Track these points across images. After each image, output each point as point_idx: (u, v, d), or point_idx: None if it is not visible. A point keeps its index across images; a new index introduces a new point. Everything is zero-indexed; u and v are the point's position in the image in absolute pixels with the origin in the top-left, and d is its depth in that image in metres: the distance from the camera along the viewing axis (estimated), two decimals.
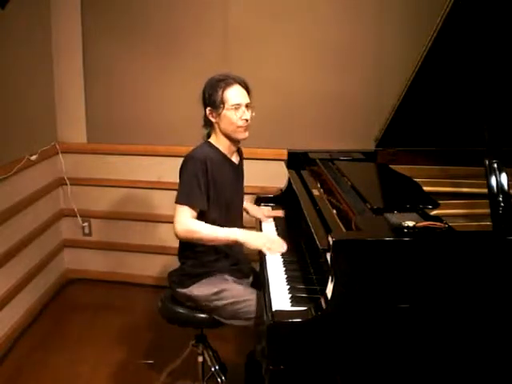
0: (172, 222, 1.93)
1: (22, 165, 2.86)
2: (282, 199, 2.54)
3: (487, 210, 1.53)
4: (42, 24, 3.12)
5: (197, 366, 2.19)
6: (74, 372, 2.58)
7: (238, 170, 2.15)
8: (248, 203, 2.44)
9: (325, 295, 1.43)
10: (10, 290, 2.81)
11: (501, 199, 1.49)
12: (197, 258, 2.04)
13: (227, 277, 2.03)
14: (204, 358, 2.18)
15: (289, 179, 2.50)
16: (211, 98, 1.98)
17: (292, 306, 1.58)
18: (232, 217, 2.08)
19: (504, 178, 1.51)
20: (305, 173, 2.40)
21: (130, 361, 2.67)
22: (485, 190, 1.53)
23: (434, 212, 1.68)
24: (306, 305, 1.51)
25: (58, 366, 2.63)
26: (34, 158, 3.01)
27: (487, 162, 1.53)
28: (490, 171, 1.52)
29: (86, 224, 3.47)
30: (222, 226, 1.95)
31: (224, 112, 1.97)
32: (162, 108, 3.23)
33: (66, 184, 3.39)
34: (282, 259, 1.93)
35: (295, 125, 3.10)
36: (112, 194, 3.41)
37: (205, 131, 2.09)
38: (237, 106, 1.97)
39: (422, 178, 2.05)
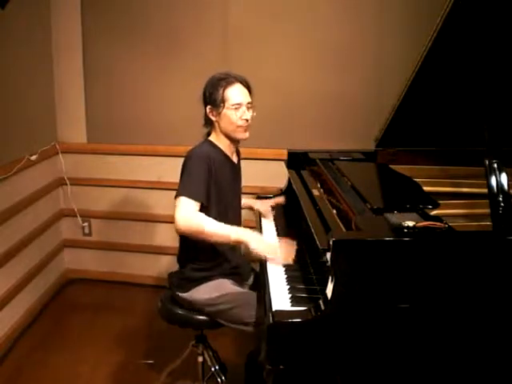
0: (172, 222, 1.91)
1: (22, 165, 2.86)
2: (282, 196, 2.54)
3: (487, 210, 1.53)
4: (42, 24, 3.12)
5: (197, 366, 2.19)
6: (74, 372, 2.58)
7: (236, 170, 2.15)
8: (251, 200, 2.44)
9: (325, 295, 1.43)
10: (9, 290, 2.81)
11: (501, 199, 1.49)
12: (196, 262, 2.02)
13: (227, 281, 2.01)
14: (204, 358, 2.17)
15: (289, 179, 2.50)
16: (212, 97, 1.97)
17: (292, 306, 1.58)
18: (230, 216, 2.07)
19: (504, 178, 1.51)
20: (305, 173, 2.40)
21: (129, 361, 2.67)
22: (485, 190, 1.53)
23: (434, 212, 1.68)
24: (305, 305, 1.51)
25: (58, 366, 2.63)
26: (34, 158, 3.01)
27: (487, 162, 1.53)
28: (490, 171, 1.52)
29: (85, 224, 3.47)
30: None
31: (224, 111, 1.96)
32: (162, 108, 3.23)
33: (66, 184, 3.39)
34: None
35: (295, 125, 3.10)
36: (112, 194, 3.42)
37: (205, 130, 2.08)
38: (237, 106, 1.96)
39: (421, 177, 2.05)
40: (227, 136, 2.02)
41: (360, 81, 2.99)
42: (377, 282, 1.41)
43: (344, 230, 1.64)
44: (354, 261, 1.40)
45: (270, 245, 1.93)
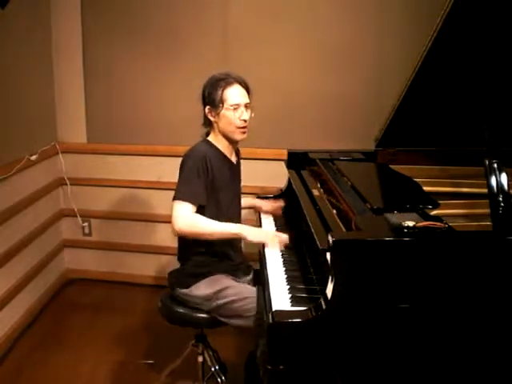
0: (171, 222, 1.92)
1: (21, 165, 2.86)
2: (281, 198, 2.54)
3: (487, 210, 1.53)
4: (42, 24, 3.12)
5: (197, 366, 2.20)
6: (74, 372, 2.58)
7: (235, 170, 2.15)
8: (255, 199, 2.45)
9: (325, 295, 1.43)
10: (10, 290, 2.81)
11: (501, 199, 1.48)
12: (196, 259, 2.04)
13: (227, 276, 2.03)
14: (204, 358, 2.18)
15: (289, 179, 2.50)
16: (211, 97, 1.98)
17: (292, 306, 1.58)
18: (230, 216, 2.07)
19: (504, 178, 1.51)
20: (305, 173, 2.40)
21: (129, 361, 2.67)
22: (485, 190, 1.53)
23: (434, 212, 1.68)
24: (305, 305, 1.51)
25: (58, 366, 2.63)
26: (34, 158, 3.01)
27: (487, 162, 1.53)
28: (490, 171, 1.52)
29: (86, 224, 3.47)
30: None
31: (223, 111, 1.97)
32: (162, 108, 3.23)
33: (66, 184, 3.39)
34: (282, 259, 1.93)
35: (295, 125, 3.10)
36: (112, 194, 3.41)
37: (204, 130, 2.09)
38: (236, 106, 1.97)
39: (421, 178, 2.05)
40: (225, 136, 2.03)
41: (360, 81, 2.99)
42: (377, 282, 1.41)
43: (344, 230, 1.64)
44: (354, 261, 1.40)
45: (265, 232, 2.08)
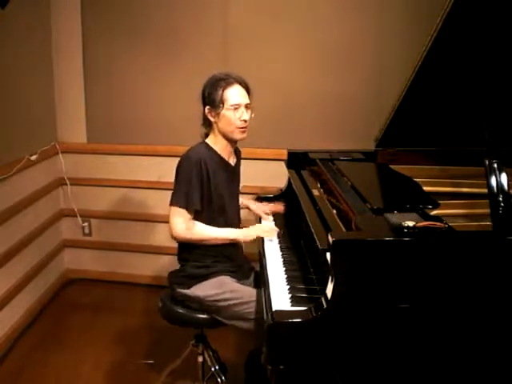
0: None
1: (21, 165, 2.86)
2: (281, 199, 2.54)
3: (487, 210, 1.53)
4: (42, 24, 3.12)
5: (197, 366, 2.19)
6: (74, 372, 2.58)
7: (233, 172, 2.14)
8: (250, 200, 2.44)
9: (325, 295, 1.43)
10: (10, 290, 2.81)
11: (501, 199, 1.49)
12: (197, 259, 2.03)
13: (228, 278, 2.02)
14: (204, 358, 2.18)
15: (289, 179, 2.50)
16: (211, 97, 1.98)
17: (292, 306, 1.58)
18: (228, 218, 2.07)
19: (504, 178, 1.51)
20: (305, 173, 2.40)
21: (130, 361, 2.67)
22: (485, 190, 1.53)
23: (434, 212, 1.68)
24: (306, 305, 1.51)
25: (58, 366, 2.63)
26: (34, 158, 3.01)
27: (487, 162, 1.53)
28: (490, 171, 1.52)
29: (86, 224, 3.47)
30: (217, 227, 1.97)
31: (223, 112, 1.97)
32: (162, 108, 3.23)
33: (66, 184, 3.39)
34: (282, 259, 1.93)
35: (295, 125, 3.10)
36: (112, 194, 3.41)
37: (203, 130, 2.09)
38: (236, 107, 1.97)
39: (421, 178, 2.05)
40: (225, 136, 2.02)
41: (360, 81, 2.99)
42: (377, 281, 1.41)
43: (344, 230, 1.64)
44: (354, 261, 1.40)
45: (255, 229, 2.09)
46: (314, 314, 1.42)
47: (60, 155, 3.35)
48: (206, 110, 2.01)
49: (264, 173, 3.08)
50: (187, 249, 2.05)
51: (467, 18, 1.66)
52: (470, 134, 1.75)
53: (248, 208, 2.42)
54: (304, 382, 1.55)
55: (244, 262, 2.16)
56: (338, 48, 2.98)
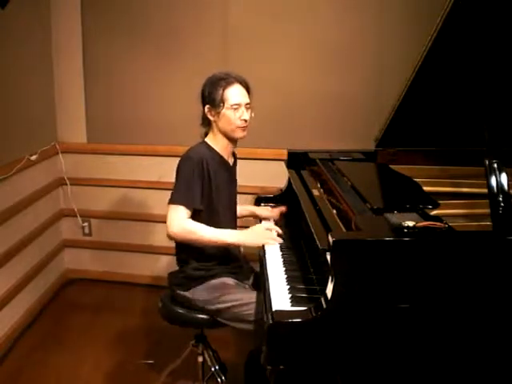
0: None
1: (21, 165, 2.86)
2: (281, 199, 2.54)
3: (487, 210, 1.53)
4: (42, 24, 3.12)
5: (197, 366, 2.19)
6: (73, 372, 2.58)
7: (232, 172, 2.14)
8: (254, 206, 2.43)
9: (325, 295, 1.43)
10: (10, 290, 2.81)
11: (501, 199, 1.48)
12: (196, 261, 2.02)
13: (228, 279, 2.01)
14: (204, 358, 2.17)
15: (289, 179, 2.50)
16: (211, 96, 1.97)
17: (292, 306, 1.58)
18: (226, 218, 2.07)
19: (504, 178, 1.51)
20: (305, 173, 2.40)
21: (129, 361, 2.67)
22: (485, 190, 1.53)
23: (434, 212, 1.68)
24: (305, 305, 1.51)
25: (58, 366, 2.63)
26: (34, 158, 3.01)
27: (487, 162, 1.53)
28: (490, 171, 1.52)
29: (85, 224, 3.47)
30: (215, 228, 1.96)
31: (223, 111, 1.97)
32: (162, 108, 3.23)
33: (66, 184, 3.39)
34: (282, 259, 1.93)
35: (295, 125, 3.10)
36: (112, 194, 3.41)
37: (203, 129, 2.08)
38: (236, 106, 1.97)
39: (421, 178, 2.05)
40: (225, 135, 2.02)
41: (360, 81, 2.99)
42: (377, 282, 1.41)
43: (344, 230, 1.64)
44: (354, 261, 1.40)
45: (255, 232, 2.01)
46: (314, 314, 1.42)
47: (60, 155, 3.35)
48: (206, 109, 2.01)
49: (264, 173, 3.08)
50: (185, 250, 2.04)
51: (467, 18, 1.66)
52: (469, 134, 1.75)
53: (255, 215, 2.39)
54: (304, 382, 1.55)
55: (243, 263, 2.16)
56: (338, 48, 2.98)
